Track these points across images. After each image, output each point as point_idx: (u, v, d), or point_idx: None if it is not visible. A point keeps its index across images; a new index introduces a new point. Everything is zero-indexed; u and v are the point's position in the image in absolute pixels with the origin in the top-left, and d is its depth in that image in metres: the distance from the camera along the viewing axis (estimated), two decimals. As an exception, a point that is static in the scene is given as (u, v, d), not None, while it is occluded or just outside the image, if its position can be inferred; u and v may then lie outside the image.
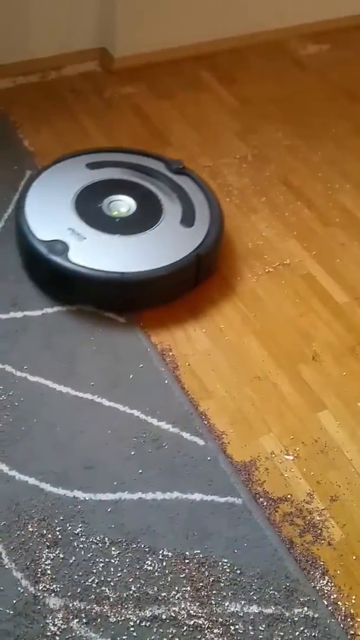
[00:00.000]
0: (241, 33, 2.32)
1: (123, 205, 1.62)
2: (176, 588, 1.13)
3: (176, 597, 1.12)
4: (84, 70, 2.20)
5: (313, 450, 1.35)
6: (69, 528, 1.17)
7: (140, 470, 1.27)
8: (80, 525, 1.18)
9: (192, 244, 1.55)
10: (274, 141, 2.02)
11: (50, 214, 1.57)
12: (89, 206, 1.59)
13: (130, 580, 1.13)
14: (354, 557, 1.22)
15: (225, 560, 1.18)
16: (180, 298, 1.58)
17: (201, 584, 1.15)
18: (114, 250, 1.53)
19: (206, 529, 1.21)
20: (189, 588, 1.14)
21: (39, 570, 1.13)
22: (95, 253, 1.50)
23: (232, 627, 1.10)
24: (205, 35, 2.28)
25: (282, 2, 2.30)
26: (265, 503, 1.27)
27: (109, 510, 1.20)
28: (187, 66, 2.25)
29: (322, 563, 1.20)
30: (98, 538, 1.17)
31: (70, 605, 1.10)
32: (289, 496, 1.28)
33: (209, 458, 1.31)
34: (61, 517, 1.18)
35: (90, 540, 1.16)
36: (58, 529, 1.17)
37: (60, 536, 1.16)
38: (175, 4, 2.16)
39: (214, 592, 1.14)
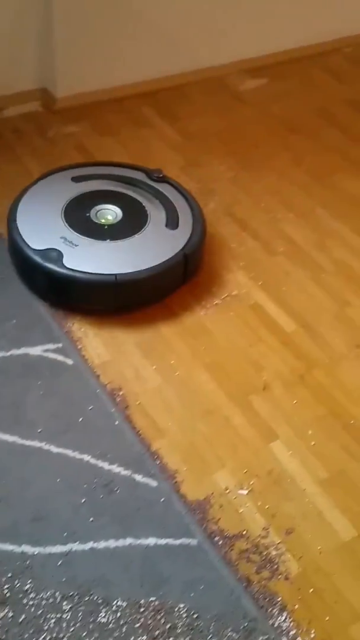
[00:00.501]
0: (182, 70, 2.36)
1: (110, 213, 1.72)
2: (132, 639, 1.10)
3: (132, 648, 1.09)
4: (26, 111, 2.21)
5: (267, 483, 1.35)
6: (18, 585, 1.14)
7: (91, 519, 1.24)
8: (29, 581, 1.15)
9: (179, 244, 1.66)
10: (218, 174, 2.04)
11: (41, 225, 1.66)
12: (78, 216, 1.69)
13: (84, 634, 1.10)
14: (311, 590, 1.20)
15: (182, 605, 1.15)
16: (133, 334, 1.58)
17: (157, 631, 1.12)
18: (105, 254, 1.62)
19: (161, 574, 1.19)
20: (145, 637, 1.11)
21: (-11, 630, 1.09)
22: (89, 258, 1.59)
23: (191, 674, 1.08)
24: (147, 73, 2.31)
25: (220, 39, 2.35)
26: (220, 542, 1.25)
27: (59, 563, 1.17)
28: (130, 104, 2.27)
29: (280, 599, 1.19)
30: (49, 593, 1.13)
31: (23, 665, 1.06)
32: (244, 532, 1.27)
33: (162, 499, 1.29)
34: (9, 574, 1.15)
35: (41, 596, 1.13)
36: (6, 586, 1.14)
37: (8, 594, 1.13)
38: (115, 43, 2.19)
39: (170, 639, 1.11)
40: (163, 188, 1.79)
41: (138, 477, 1.31)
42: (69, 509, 1.25)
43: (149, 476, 1.32)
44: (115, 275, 1.56)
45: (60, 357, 1.51)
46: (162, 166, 2.05)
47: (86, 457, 1.33)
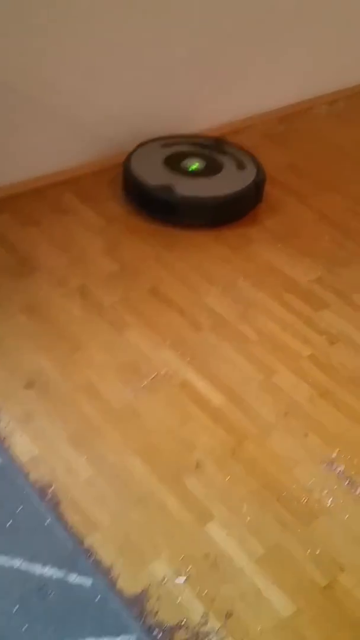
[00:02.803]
0: (101, 156, 2.44)
1: (195, 163, 2.30)
2: None
3: None
4: None
5: (204, 567, 1.33)
6: None
7: (25, 626, 1.21)
8: None
9: (250, 177, 2.27)
10: (140, 254, 2.10)
11: (151, 171, 2.25)
12: (174, 166, 2.29)
13: None
14: None
15: None
16: (62, 425, 1.57)
17: None
18: (201, 186, 2.22)
19: None
20: None
21: None
22: (192, 189, 2.19)
23: None
24: (67, 161, 2.38)
25: (126, 124, 2.45)
26: (160, 635, 1.23)
27: None
28: (51, 192, 2.32)
29: None
30: None
31: None
32: (183, 622, 1.25)
33: (97, 598, 1.26)
34: None
35: None
36: None
37: None
38: (29, 136, 2.25)
39: None
40: (227, 148, 2.40)
41: (72, 578, 1.29)
42: (1, 619, 1.21)
43: (83, 574, 1.30)
44: (214, 197, 2.19)
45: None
46: (85, 250, 2.10)
47: (17, 563, 1.30)
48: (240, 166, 2.32)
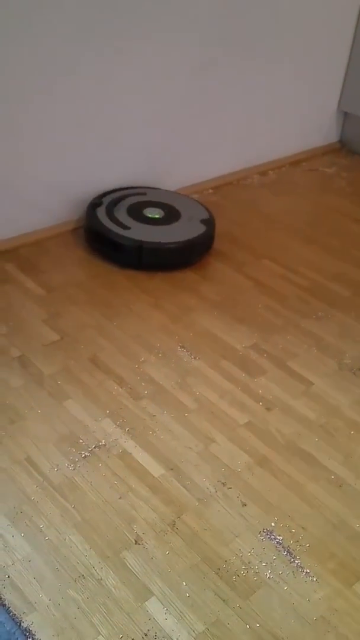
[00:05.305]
0: (41, 226, 2.48)
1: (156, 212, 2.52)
2: None
3: None
4: None
5: (144, 646, 1.32)
6: None
7: None
8: None
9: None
10: (81, 323, 2.12)
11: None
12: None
13: None
14: None
15: None
16: (-5, 504, 1.55)
17: None
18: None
19: None
20: None
21: None
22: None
23: None
24: (8, 231, 2.41)
25: (68, 195, 2.51)
26: None
27: None
28: (-10, 261, 2.34)
29: None
30: None
31: None
32: None
33: None
34: None
35: None
36: None
37: None
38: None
39: None
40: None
41: (7, 664, 1.25)
42: None
43: (19, 661, 1.26)
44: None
45: None
46: (25, 320, 2.11)
47: None
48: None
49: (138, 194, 2.59)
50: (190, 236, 2.42)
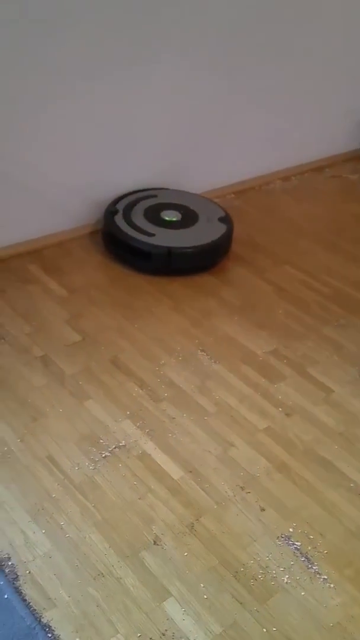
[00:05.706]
0: (65, 228, 2.51)
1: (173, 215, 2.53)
2: None
3: None
4: None
5: (162, 646, 1.34)
6: None
7: None
8: None
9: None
10: (102, 324, 2.14)
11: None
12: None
13: None
14: None
15: None
16: (20, 497, 1.57)
17: None
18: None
19: None
20: None
21: None
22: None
23: None
24: (30, 233, 2.44)
25: (91, 198, 2.54)
26: None
27: None
28: (14, 262, 2.37)
29: None
30: None
31: None
32: None
33: None
34: None
35: None
36: None
37: None
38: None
39: None
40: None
41: (28, 659, 1.27)
42: None
43: (39, 655, 1.28)
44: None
45: None
46: (48, 320, 2.13)
47: (-28, 643, 1.28)
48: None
49: (150, 196, 2.58)
50: (214, 237, 2.43)
